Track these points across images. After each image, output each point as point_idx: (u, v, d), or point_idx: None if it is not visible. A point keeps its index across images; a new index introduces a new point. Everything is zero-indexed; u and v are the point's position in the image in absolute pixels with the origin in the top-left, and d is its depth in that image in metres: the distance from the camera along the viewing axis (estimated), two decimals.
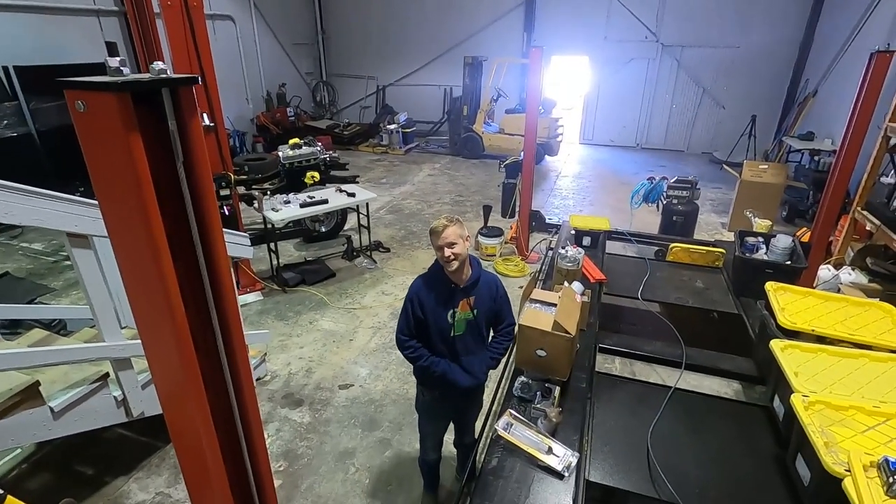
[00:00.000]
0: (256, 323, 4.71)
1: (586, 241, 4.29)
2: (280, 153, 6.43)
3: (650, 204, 5.85)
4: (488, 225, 6.26)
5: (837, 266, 4.73)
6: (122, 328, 2.66)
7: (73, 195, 2.27)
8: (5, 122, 6.87)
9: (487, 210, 6.23)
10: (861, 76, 4.08)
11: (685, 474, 2.16)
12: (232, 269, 3.56)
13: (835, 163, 4.59)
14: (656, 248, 4.60)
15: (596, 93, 12.48)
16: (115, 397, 2.61)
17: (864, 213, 4.45)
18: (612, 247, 4.60)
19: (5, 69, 6.82)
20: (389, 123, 12.15)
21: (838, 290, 4.37)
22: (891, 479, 1.62)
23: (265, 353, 4.04)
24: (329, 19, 14.05)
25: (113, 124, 0.76)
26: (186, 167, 0.88)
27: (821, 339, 2.57)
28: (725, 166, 8.54)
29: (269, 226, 5.23)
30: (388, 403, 3.68)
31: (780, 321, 2.68)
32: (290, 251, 6.35)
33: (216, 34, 10.28)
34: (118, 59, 0.80)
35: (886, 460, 1.67)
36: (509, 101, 11.62)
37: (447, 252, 2.23)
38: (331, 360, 4.19)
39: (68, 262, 5.86)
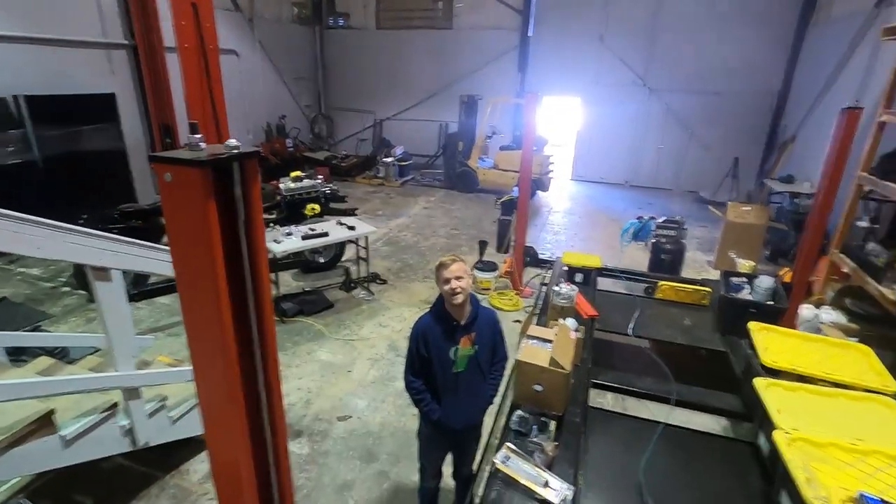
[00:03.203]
0: None
1: (579, 277, 4.45)
2: (282, 185, 6.60)
3: (639, 242, 6.07)
4: (483, 259, 6.43)
5: (818, 305, 4.92)
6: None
7: (77, 223, 2.39)
8: (11, 148, 7.00)
9: (483, 245, 6.41)
10: (834, 128, 4.39)
11: None
12: None
13: (813, 207, 4.86)
14: (646, 286, 4.77)
15: (587, 132, 12.95)
16: (121, 426, 2.66)
17: (841, 255, 4.69)
18: (604, 283, 4.76)
19: (15, 98, 6.99)
20: (386, 156, 12.46)
21: (819, 330, 4.55)
22: None
23: None
24: (329, 55, 14.56)
25: (195, 193, 0.91)
26: (246, 223, 1.03)
27: (801, 378, 2.71)
28: (710, 207, 8.87)
29: (271, 256, 5.34)
30: (386, 436, 3.74)
31: (762, 360, 2.83)
32: (288, 281, 6.44)
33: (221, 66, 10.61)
34: (198, 136, 0.95)
35: (863, 496, 1.79)
36: (503, 138, 12.00)
37: (454, 284, 2.36)
38: (329, 392, 4.25)
39: (66, 289, 5.91)
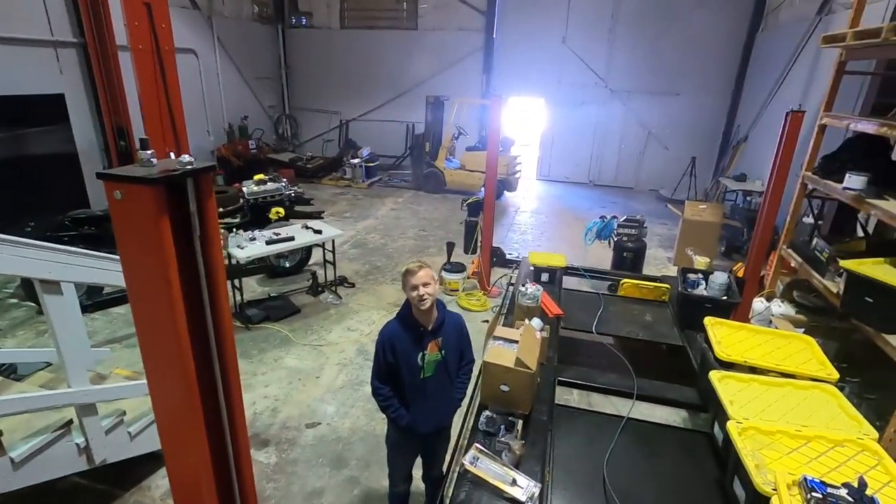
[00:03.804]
0: None
1: (545, 277, 4.54)
2: (244, 189, 6.46)
3: (602, 241, 6.24)
4: (451, 261, 6.47)
5: (769, 298, 5.18)
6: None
7: (24, 231, 2.29)
8: None
9: (451, 246, 6.45)
10: (780, 130, 4.63)
11: (638, 500, 2.35)
12: None
13: (762, 205, 5.11)
14: (609, 283, 4.91)
15: (551, 132, 13.18)
16: (77, 444, 2.56)
17: (789, 251, 4.94)
18: (569, 282, 4.88)
19: None
20: (353, 157, 12.34)
21: (770, 322, 4.79)
22: (809, 497, 1.85)
23: None
24: (293, 54, 14.30)
25: (147, 212, 0.89)
26: (202, 239, 1.02)
27: (753, 370, 2.86)
28: (669, 205, 9.19)
29: (233, 262, 5.22)
30: (355, 441, 3.72)
31: (717, 353, 2.97)
32: (253, 287, 6.30)
33: (178, 66, 10.26)
34: (150, 151, 0.94)
35: (805, 479, 1.91)
36: (469, 138, 12.08)
37: (422, 291, 2.38)
38: (297, 399, 4.19)
39: (13, 300, 5.60)
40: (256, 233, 5.49)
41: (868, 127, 3.99)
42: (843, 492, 1.85)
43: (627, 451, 2.64)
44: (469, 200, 6.61)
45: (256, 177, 6.52)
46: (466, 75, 12.94)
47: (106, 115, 6.79)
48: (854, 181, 3.86)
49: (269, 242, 5.32)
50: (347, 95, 14.08)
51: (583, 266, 5.07)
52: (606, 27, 11.90)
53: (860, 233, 5.11)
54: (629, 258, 5.92)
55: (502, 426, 2.60)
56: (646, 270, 6.11)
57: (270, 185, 6.45)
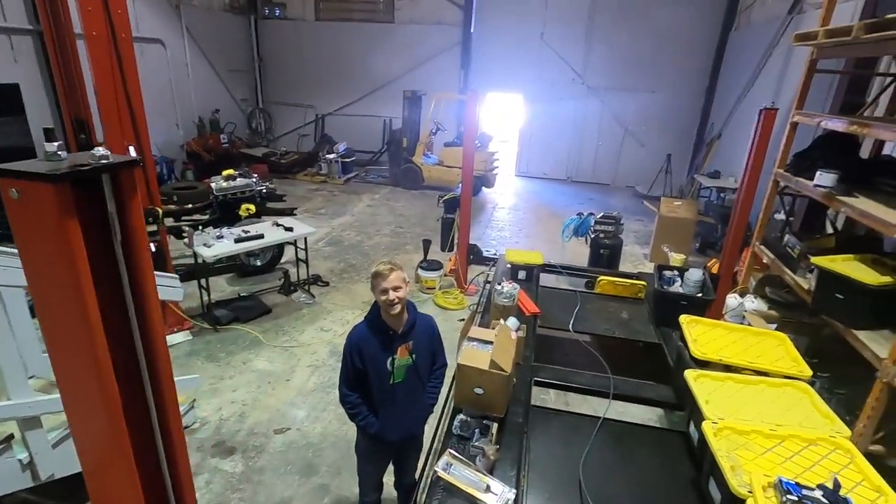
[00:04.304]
0: (185, 365, 4.45)
1: (522, 274, 4.49)
2: (213, 184, 6.22)
3: (579, 237, 6.22)
4: (428, 258, 6.36)
5: (742, 294, 5.23)
6: (30, 378, 2.44)
7: None
8: None
9: (427, 244, 6.35)
10: (753, 127, 4.65)
11: (614, 502, 2.30)
12: None
13: (735, 202, 5.15)
14: (586, 280, 4.88)
15: (530, 128, 13.17)
16: (19, 460, 2.37)
17: (762, 247, 4.99)
18: (546, 279, 4.83)
19: None
20: (329, 153, 12.10)
21: (743, 317, 4.83)
22: (784, 499, 1.82)
23: (194, 399, 3.83)
24: (266, 46, 13.93)
25: (49, 212, 0.76)
26: (125, 243, 0.89)
27: (727, 368, 2.85)
28: (645, 202, 9.26)
29: (200, 261, 5.01)
30: (326, 447, 3.59)
31: (692, 352, 2.94)
32: (222, 286, 6.08)
33: (144, 56, 9.88)
34: (56, 143, 0.81)
35: (780, 481, 1.88)
36: (447, 134, 11.97)
37: (392, 296, 2.28)
38: (266, 403, 4.04)
39: None
40: (225, 230, 5.28)
41: (838, 125, 4.03)
42: (818, 493, 1.82)
43: (603, 453, 2.59)
44: (446, 197, 6.52)
45: (225, 172, 6.28)
46: (444, 70, 12.81)
47: (64, 106, 6.44)
48: (824, 178, 3.89)
49: (237, 240, 5.13)
50: (323, 89, 13.81)
51: (560, 263, 5.03)
52: (584, 23, 11.91)
53: (830, 229, 5.20)
54: (606, 255, 5.92)
55: (477, 430, 2.52)
56: (622, 267, 6.13)
57: (240, 181, 6.23)
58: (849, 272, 3.36)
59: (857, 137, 4.38)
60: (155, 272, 3.21)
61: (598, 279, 4.59)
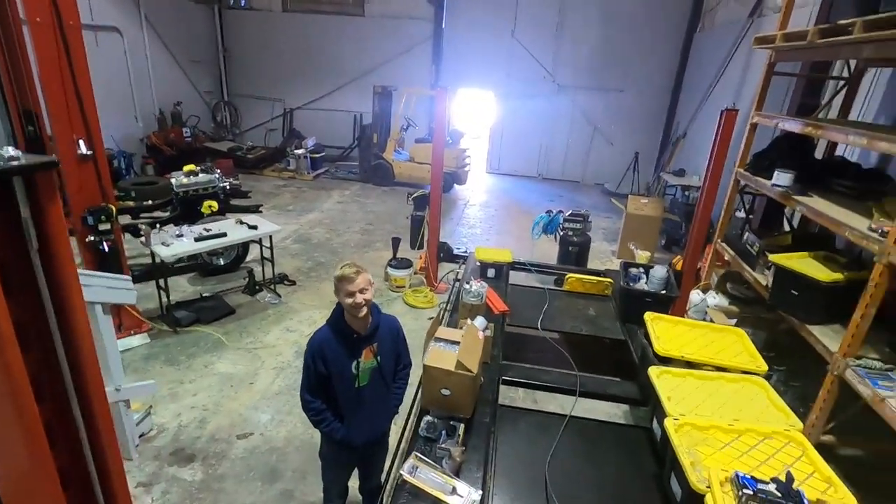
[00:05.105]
0: (142, 370, 4.27)
1: (491, 272, 4.48)
2: (173, 180, 5.98)
3: (549, 235, 6.27)
4: (397, 256, 6.30)
5: (705, 290, 5.38)
6: None
7: None
8: None
9: (396, 242, 6.28)
10: (715, 128, 4.77)
11: (578, 500, 2.31)
12: (111, 311, 3.22)
13: (699, 200, 5.28)
14: (555, 278, 4.91)
15: (501, 125, 13.20)
16: None
17: (723, 244, 5.14)
18: (516, 276, 4.84)
19: None
20: (297, 148, 11.84)
21: (706, 313, 4.96)
22: (741, 493, 1.86)
23: (150, 406, 3.67)
24: (231, 37, 13.50)
25: None
26: (44, 254, 0.82)
27: (689, 364, 2.90)
28: (613, 199, 9.42)
29: (159, 260, 4.81)
30: (291, 451, 3.50)
31: (655, 349, 2.99)
32: (183, 287, 5.87)
33: (99, 46, 9.43)
34: None
35: (737, 475, 1.91)
36: (419, 130, 11.89)
37: (359, 298, 2.23)
38: (228, 407, 3.91)
39: None
40: (185, 228, 5.08)
41: (794, 126, 4.16)
42: (772, 487, 1.87)
43: (570, 451, 2.61)
44: (415, 195, 6.46)
45: (186, 168, 6.03)
46: (415, 65, 12.70)
47: (10, 97, 6.05)
48: (781, 178, 4.02)
49: (198, 239, 4.94)
50: (291, 83, 13.49)
51: (530, 261, 5.05)
52: (554, 22, 12.00)
53: (787, 227, 5.39)
54: (575, 252, 5.99)
55: (443, 431, 2.50)
56: (591, 264, 6.21)
57: (202, 177, 5.99)
58: (803, 269, 3.48)
59: (813, 139, 4.55)
60: (106, 274, 3.05)
61: (567, 277, 4.63)
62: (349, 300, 2.23)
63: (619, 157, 12.39)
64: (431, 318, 5.39)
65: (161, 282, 4.95)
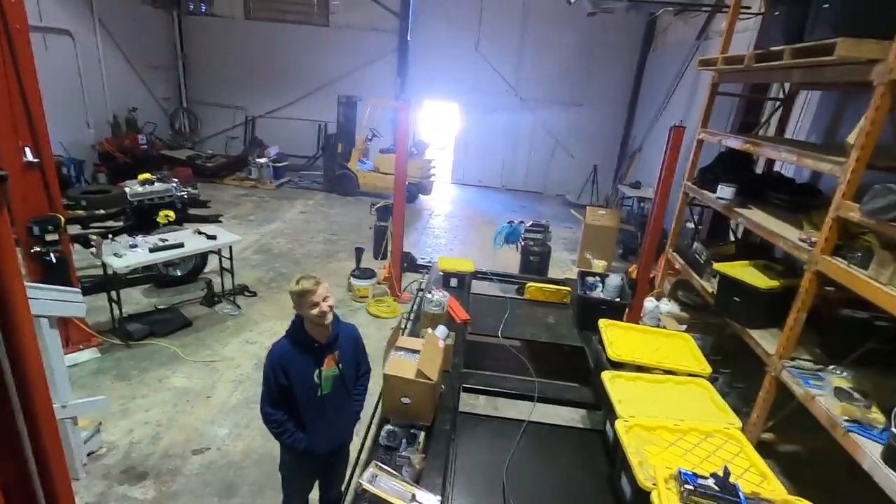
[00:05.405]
0: (91, 386, 4.09)
1: (454, 282, 4.54)
2: (127, 189, 5.78)
3: (511, 244, 6.41)
4: (360, 267, 6.29)
5: (658, 298, 5.62)
6: None
7: None
8: None
9: (359, 252, 6.27)
10: (665, 143, 5.04)
11: (535, 501, 2.38)
12: (58, 325, 3.09)
13: (651, 211, 5.54)
14: (517, 287, 5.02)
15: (465, 137, 13.41)
16: None
17: (674, 254, 5.39)
18: (478, 286, 4.93)
19: None
20: (259, 157, 11.64)
21: (659, 319, 5.18)
22: (683, 489, 1.97)
23: (100, 423, 3.52)
24: (191, 42, 13.20)
25: None
26: None
27: (640, 368, 3.04)
28: (572, 210, 9.71)
29: (111, 272, 4.64)
30: (249, 465, 3.43)
31: (608, 354, 3.12)
32: (137, 299, 5.65)
33: (48, 49, 9.05)
34: None
35: (680, 472, 2.03)
36: (384, 140, 11.92)
37: (324, 306, 2.25)
38: (183, 422, 3.79)
39: None
40: (139, 239, 4.92)
41: (735, 143, 4.45)
42: (711, 481, 1.99)
43: (527, 455, 2.68)
44: (378, 205, 6.48)
45: (141, 176, 5.85)
46: (380, 76, 12.76)
47: None
48: (724, 192, 4.29)
49: (153, 250, 4.79)
50: (253, 91, 13.29)
51: (492, 270, 5.15)
52: (516, 37, 12.34)
53: (732, 237, 5.71)
54: (536, 262, 6.13)
55: (403, 440, 2.52)
56: (552, 273, 6.36)
57: (158, 186, 5.82)
58: (743, 277, 3.71)
59: (752, 155, 4.87)
60: (54, 286, 2.93)
61: (527, 285, 4.75)
62: (314, 311, 2.25)
63: (579, 169, 12.79)
64: (394, 328, 5.40)
65: (113, 294, 4.76)
